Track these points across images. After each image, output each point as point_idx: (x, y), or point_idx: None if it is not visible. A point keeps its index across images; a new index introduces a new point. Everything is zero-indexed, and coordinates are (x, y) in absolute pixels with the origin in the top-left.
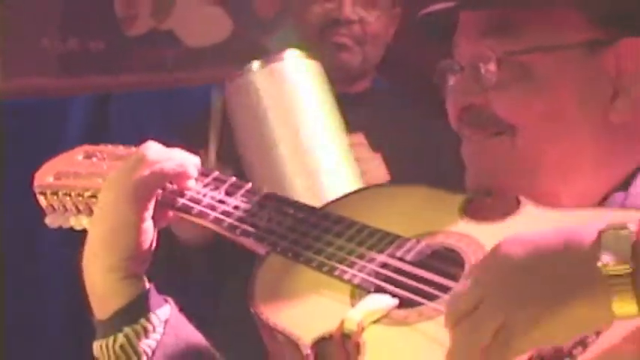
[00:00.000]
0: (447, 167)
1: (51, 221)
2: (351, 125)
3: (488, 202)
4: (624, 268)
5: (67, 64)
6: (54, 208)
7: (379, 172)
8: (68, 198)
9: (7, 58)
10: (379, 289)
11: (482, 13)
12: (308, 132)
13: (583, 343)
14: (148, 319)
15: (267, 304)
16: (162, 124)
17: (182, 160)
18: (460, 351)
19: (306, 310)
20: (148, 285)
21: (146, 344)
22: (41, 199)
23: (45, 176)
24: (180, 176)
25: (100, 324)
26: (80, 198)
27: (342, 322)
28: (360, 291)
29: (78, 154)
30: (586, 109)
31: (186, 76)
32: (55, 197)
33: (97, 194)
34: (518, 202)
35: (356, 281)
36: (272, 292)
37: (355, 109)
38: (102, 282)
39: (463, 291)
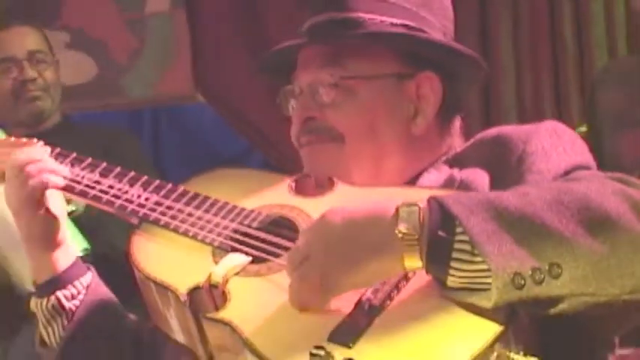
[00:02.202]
0: None
1: None
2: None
3: (310, 182)
4: (413, 235)
5: None
6: None
7: None
8: None
9: None
10: (234, 250)
11: (319, 51)
12: None
13: (397, 287)
14: (74, 285)
15: (146, 263)
16: None
17: (51, 167)
18: (295, 292)
19: (178, 267)
20: (74, 258)
21: (72, 304)
22: None
23: None
24: (57, 178)
25: (36, 286)
26: None
27: (210, 276)
28: (219, 251)
29: None
30: (395, 124)
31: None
32: None
33: None
34: (333, 182)
35: (216, 244)
36: (149, 253)
37: (53, 141)
38: (33, 259)
39: (296, 249)
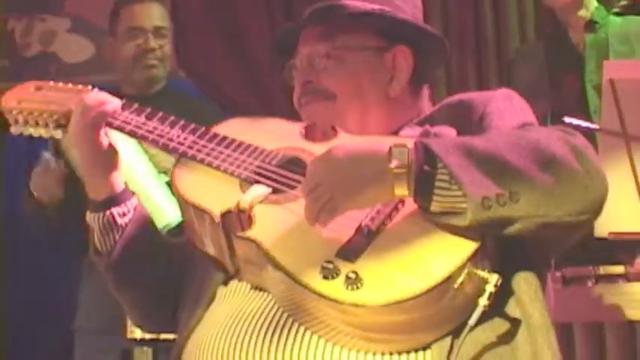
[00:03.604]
0: None
1: (15, 130)
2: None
3: (318, 130)
4: (402, 170)
5: None
6: (17, 122)
7: None
8: (29, 116)
9: None
10: (258, 182)
11: (314, 31)
12: (138, 177)
13: (389, 216)
14: (125, 205)
15: (186, 190)
16: None
17: (111, 100)
18: (309, 211)
19: (212, 194)
20: (123, 183)
21: (123, 220)
22: (8, 116)
23: (10, 100)
24: (113, 111)
25: (93, 202)
26: (39, 117)
27: (238, 202)
28: (245, 183)
29: (30, 86)
30: (375, 86)
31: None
32: (20, 115)
33: (49, 114)
34: (336, 131)
35: (243, 177)
36: (189, 183)
37: (157, 103)
38: (89, 181)
39: (310, 176)
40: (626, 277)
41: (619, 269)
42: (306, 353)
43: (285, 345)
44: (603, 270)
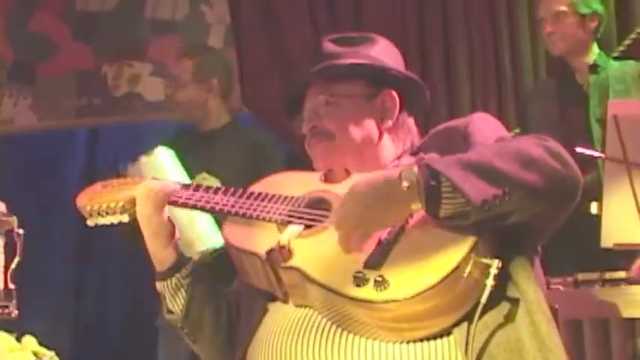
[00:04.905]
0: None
1: (90, 222)
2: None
3: (334, 174)
4: (414, 188)
5: (80, 112)
6: (91, 215)
7: None
8: (100, 209)
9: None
10: (291, 223)
11: (316, 88)
12: None
13: (402, 227)
14: (185, 268)
15: (235, 240)
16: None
17: (168, 185)
18: (343, 241)
19: (257, 239)
20: (178, 251)
21: (186, 281)
22: (83, 212)
23: (83, 200)
24: (171, 192)
25: (159, 273)
26: (107, 208)
27: (278, 241)
28: (282, 226)
29: (98, 186)
30: (369, 125)
31: (147, 117)
32: (93, 209)
33: (115, 203)
34: (348, 172)
35: (279, 221)
36: (236, 234)
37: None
38: (156, 253)
39: (340, 211)
40: (628, 281)
41: (621, 274)
42: (351, 348)
43: (332, 342)
44: (608, 275)
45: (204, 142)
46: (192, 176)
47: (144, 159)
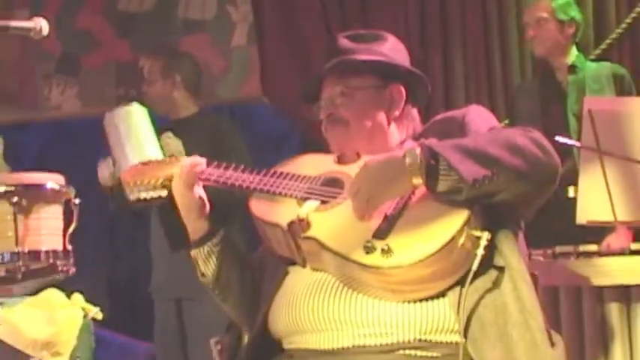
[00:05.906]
0: None
1: (132, 196)
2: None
3: (346, 156)
4: (415, 165)
5: (119, 100)
6: (133, 190)
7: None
8: (142, 185)
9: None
10: (309, 199)
11: (332, 80)
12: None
13: (406, 203)
14: (215, 237)
15: (260, 213)
16: None
17: (198, 161)
18: (357, 209)
19: (279, 212)
20: (210, 222)
21: (217, 248)
22: (127, 188)
23: (127, 176)
24: (201, 171)
25: (193, 241)
26: (149, 184)
27: (298, 214)
28: (301, 202)
29: (139, 165)
30: (378, 113)
31: None
32: (135, 186)
33: (155, 179)
34: (359, 155)
35: (299, 197)
36: (261, 208)
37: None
38: (189, 224)
39: (353, 186)
40: (599, 254)
41: (593, 248)
42: (360, 306)
43: (344, 301)
44: (582, 248)
45: (175, 129)
46: (158, 134)
47: (126, 108)
